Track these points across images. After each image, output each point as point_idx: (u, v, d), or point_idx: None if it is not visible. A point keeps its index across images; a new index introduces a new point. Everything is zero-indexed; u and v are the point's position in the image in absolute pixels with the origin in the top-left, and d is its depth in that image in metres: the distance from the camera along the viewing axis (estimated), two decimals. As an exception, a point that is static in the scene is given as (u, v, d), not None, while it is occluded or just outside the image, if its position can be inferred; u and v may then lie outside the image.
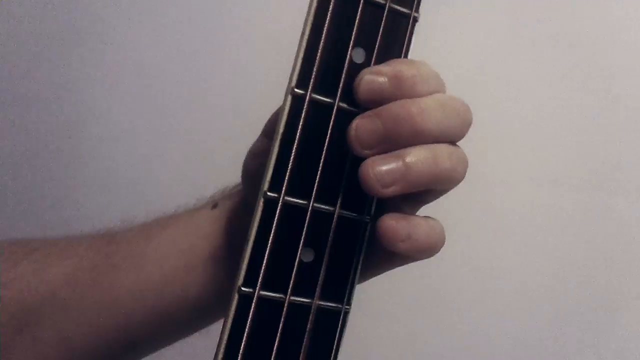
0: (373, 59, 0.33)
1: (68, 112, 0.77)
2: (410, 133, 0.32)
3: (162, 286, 0.37)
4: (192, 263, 0.38)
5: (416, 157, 0.32)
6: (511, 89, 0.79)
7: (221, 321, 0.33)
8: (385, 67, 0.33)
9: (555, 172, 0.79)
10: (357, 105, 0.33)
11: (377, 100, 0.32)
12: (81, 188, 0.78)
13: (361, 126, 0.32)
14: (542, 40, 0.78)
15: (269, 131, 0.36)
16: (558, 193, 0.78)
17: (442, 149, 0.33)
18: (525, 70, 0.78)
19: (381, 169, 0.31)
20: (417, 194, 0.34)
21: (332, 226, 0.33)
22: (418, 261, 0.35)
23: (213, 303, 0.39)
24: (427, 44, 0.75)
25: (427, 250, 0.34)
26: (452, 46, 0.78)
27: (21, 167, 0.77)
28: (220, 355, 0.32)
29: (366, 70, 0.33)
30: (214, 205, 0.38)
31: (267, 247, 0.32)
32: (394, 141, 0.32)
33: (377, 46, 0.33)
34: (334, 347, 0.34)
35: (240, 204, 0.39)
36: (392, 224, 0.32)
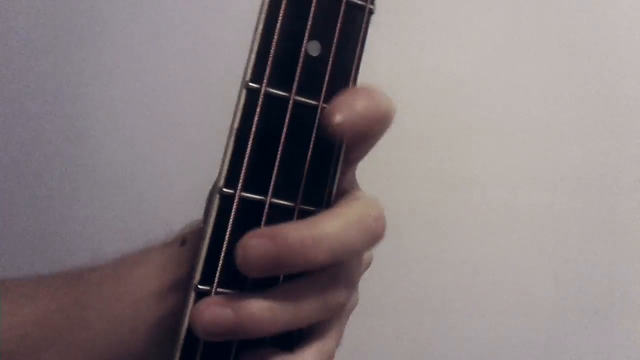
0: (329, 52, 0.33)
1: (68, 113, 0.76)
2: (302, 266, 0.31)
3: (134, 325, 0.36)
4: (165, 303, 0.37)
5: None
6: (511, 89, 0.78)
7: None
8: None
9: (555, 173, 0.79)
10: (314, 98, 0.33)
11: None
12: (81, 189, 0.77)
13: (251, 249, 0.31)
14: (542, 40, 0.78)
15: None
16: (558, 193, 0.78)
17: None
18: (526, 70, 0.78)
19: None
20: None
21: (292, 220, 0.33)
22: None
23: None
24: (428, 44, 0.75)
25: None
26: (452, 46, 0.78)
27: (20, 168, 0.76)
28: (178, 354, 0.31)
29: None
30: (183, 242, 0.37)
31: (224, 243, 0.32)
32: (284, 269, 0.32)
33: (332, 38, 0.33)
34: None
35: None
36: None
